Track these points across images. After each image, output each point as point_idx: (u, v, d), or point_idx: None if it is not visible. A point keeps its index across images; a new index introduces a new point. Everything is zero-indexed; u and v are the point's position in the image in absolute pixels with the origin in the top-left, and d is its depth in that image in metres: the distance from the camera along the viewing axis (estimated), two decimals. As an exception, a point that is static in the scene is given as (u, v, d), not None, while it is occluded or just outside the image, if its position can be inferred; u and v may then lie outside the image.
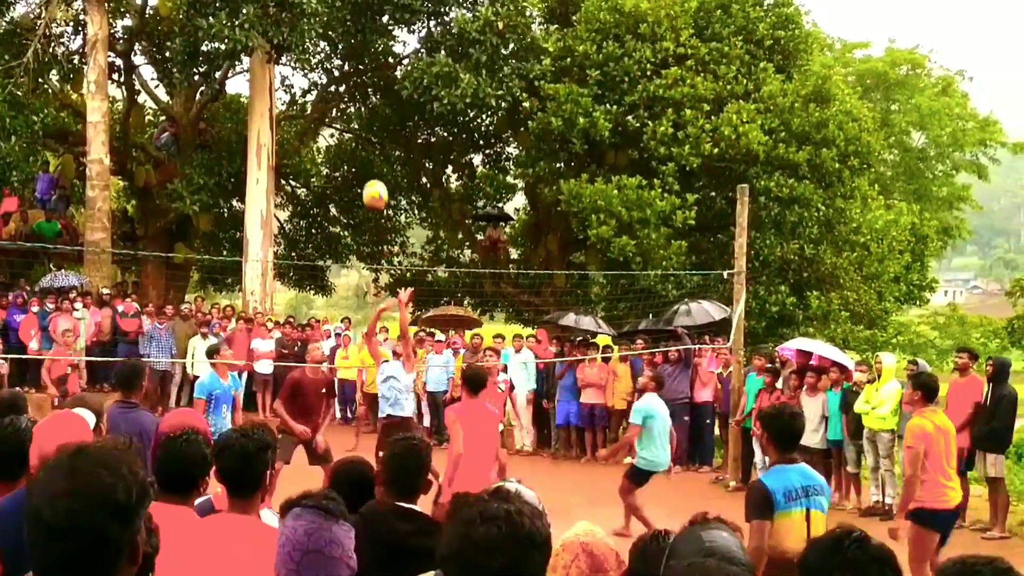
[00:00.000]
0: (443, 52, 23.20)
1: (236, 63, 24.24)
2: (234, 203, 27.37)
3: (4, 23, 23.35)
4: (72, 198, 24.77)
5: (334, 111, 29.14)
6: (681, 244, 21.25)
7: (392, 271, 29.63)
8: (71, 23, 24.31)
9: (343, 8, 22.68)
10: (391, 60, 26.29)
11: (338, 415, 20.30)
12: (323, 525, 3.38)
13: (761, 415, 6.46)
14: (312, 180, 29.66)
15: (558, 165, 23.89)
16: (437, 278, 27.72)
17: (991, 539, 11.84)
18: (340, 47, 25.90)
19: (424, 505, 4.90)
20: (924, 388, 8.63)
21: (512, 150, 27.23)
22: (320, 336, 20.59)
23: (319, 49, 25.28)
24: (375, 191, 13.09)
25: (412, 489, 4.81)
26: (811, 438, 13.90)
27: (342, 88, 27.78)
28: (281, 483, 8.04)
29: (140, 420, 7.71)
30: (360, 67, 26.66)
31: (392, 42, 26.16)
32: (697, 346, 16.85)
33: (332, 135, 31.04)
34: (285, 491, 3.96)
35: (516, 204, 29.11)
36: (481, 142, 27.45)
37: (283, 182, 28.24)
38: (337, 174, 30.20)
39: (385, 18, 24.44)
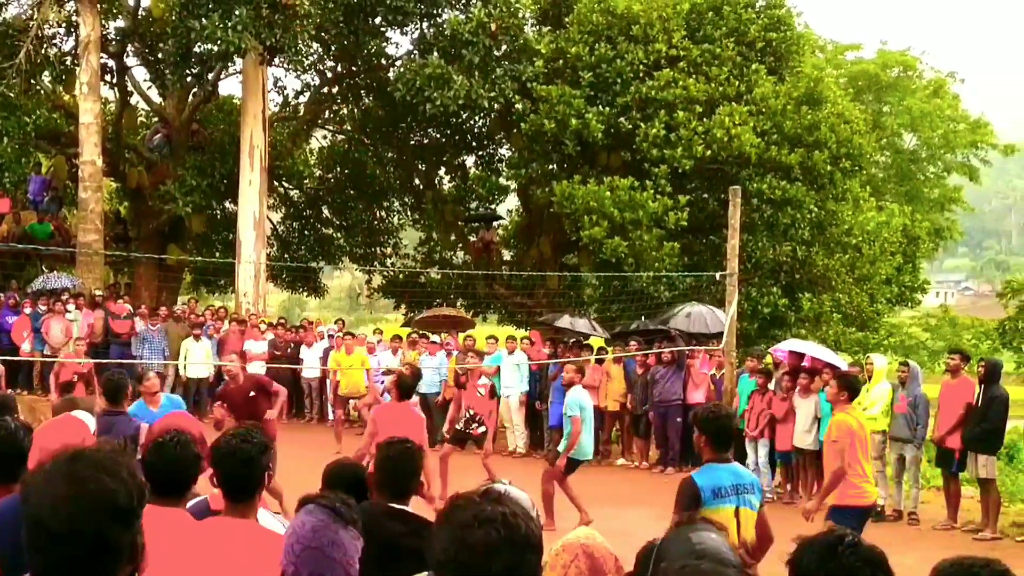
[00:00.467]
0: (436, 54, 23.21)
1: (229, 64, 24.22)
2: (227, 205, 27.37)
3: (-4, 24, 23.32)
4: (64, 200, 24.75)
5: (327, 112, 29.15)
6: (674, 246, 21.28)
7: (385, 272, 29.65)
8: (63, 24, 24.26)
9: (336, 10, 22.67)
10: (384, 61, 26.30)
11: (330, 416, 20.31)
12: (330, 526, 3.39)
13: (697, 416, 6.56)
14: (305, 182, 29.75)
15: (551, 167, 23.90)
16: (430, 279, 27.74)
17: (983, 540, 11.88)
18: (333, 48, 25.91)
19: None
20: (850, 388, 8.82)
21: (505, 151, 27.25)
22: (314, 338, 20.60)
23: (312, 50, 25.27)
24: None
25: (405, 491, 4.85)
26: (803, 439, 13.96)
27: (335, 89, 27.79)
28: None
29: (127, 426, 8.29)
30: (353, 68, 26.67)
31: (385, 43, 26.16)
32: (690, 348, 16.89)
33: (325, 136, 31.05)
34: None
35: (509, 205, 29.14)
36: (474, 143, 27.47)
37: (276, 184, 28.26)
38: (330, 176, 30.23)
39: (378, 19, 24.44)
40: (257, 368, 19.30)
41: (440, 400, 18.36)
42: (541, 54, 22.95)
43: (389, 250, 30.74)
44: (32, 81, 23.23)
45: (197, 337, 19.49)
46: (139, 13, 24.71)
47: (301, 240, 30.74)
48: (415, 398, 18.16)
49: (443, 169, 28.46)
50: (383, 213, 30.59)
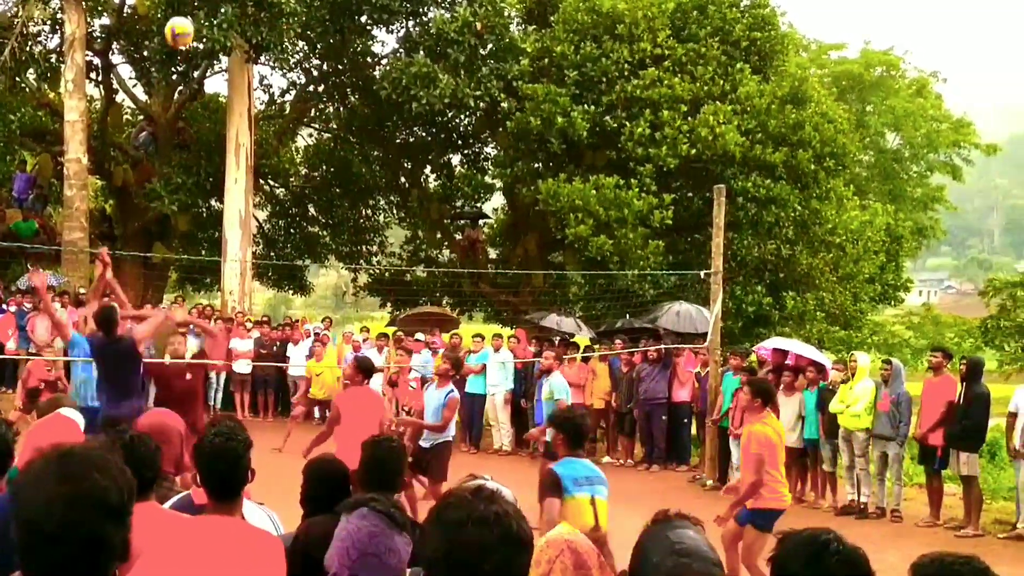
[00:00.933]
0: (421, 52, 23.21)
1: (214, 62, 24.19)
2: (213, 203, 27.29)
3: (-20, 22, 23.23)
4: (49, 197, 24.66)
5: (313, 111, 29.11)
6: (658, 244, 21.35)
7: (371, 271, 29.62)
8: (48, 22, 24.15)
9: (321, 8, 22.66)
10: (369, 60, 26.29)
11: (316, 414, 20.31)
12: (386, 532, 3.38)
13: (552, 417, 7.08)
14: (291, 180, 29.67)
15: (536, 165, 23.94)
16: (416, 278, 27.73)
17: (965, 537, 11.96)
18: (319, 47, 25.88)
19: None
20: (763, 395, 8.85)
21: (490, 150, 27.27)
22: (300, 336, 20.58)
23: (298, 49, 25.24)
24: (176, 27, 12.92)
25: (389, 489, 4.86)
26: (787, 437, 14.00)
27: (321, 88, 27.75)
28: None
29: (125, 342, 9.64)
30: (339, 67, 26.64)
31: (371, 42, 26.18)
32: (675, 346, 16.94)
33: (311, 135, 31.01)
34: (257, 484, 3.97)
35: (494, 204, 29.16)
36: (459, 142, 27.46)
37: (262, 182, 28.19)
38: (316, 174, 30.17)
39: (363, 18, 24.44)
40: (243, 366, 19.32)
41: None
42: (527, 53, 23.00)
43: (375, 248, 30.70)
44: (17, 79, 23.10)
45: (184, 335, 19.42)
46: (124, 11, 24.62)
47: (287, 238, 30.68)
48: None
49: (429, 167, 28.44)
50: (369, 211, 30.55)
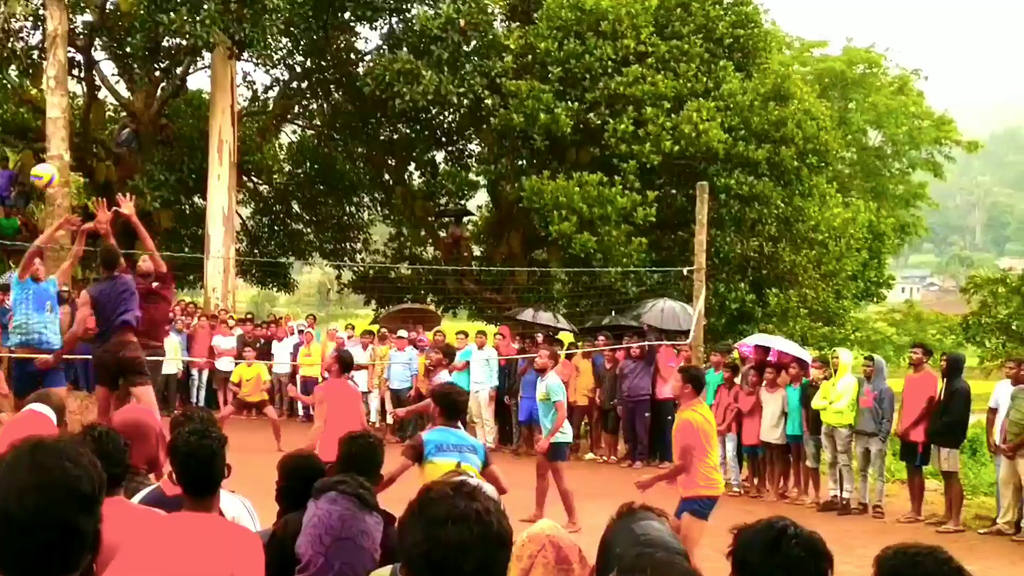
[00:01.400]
0: (405, 49, 23.22)
1: (197, 59, 24.16)
2: (195, 199, 27.24)
3: (-38, 18, 23.12)
4: (31, 194, 24.54)
5: (296, 107, 29.07)
6: (642, 241, 21.39)
7: (355, 268, 29.60)
8: (30, 18, 24.11)
9: (305, 4, 22.64)
10: (353, 56, 26.28)
11: (300, 412, 20.30)
12: (357, 514, 3.37)
13: (433, 391, 7.93)
14: (274, 177, 29.58)
15: (520, 162, 23.98)
16: (400, 275, 27.71)
17: (945, 532, 12.02)
18: (302, 43, 25.85)
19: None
20: (693, 381, 8.87)
21: (474, 147, 27.29)
22: (284, 333, 20.57)
23: (281, 45, 25.21)
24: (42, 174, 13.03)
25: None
26: (770, 433, 14.07)
27: (304, 84, 27.73)
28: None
29: (122, 284, 10.05)
30: (322, 63, 26.62)
31: (354, 39, 26.16)
32: (658, 343, 16.98)
33: (294, 131, 30.96)
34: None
35: (478, 201, 29.16)
36: (443, 139, 27.45)
37: (245, 179, 28.13)
38: (299, 171, 30.12)
39: (347, 14, 24.42)
40: (226, 364, 19.29)
41: (412, 394, 18.37)
42: (510, 49, 23.01)
43: (359, 245, 30.68)
44: (-2, 75, 23.06)
45: (166, 332, 19.39)
46: (107, 7, 24.52)
47: (270, 235, 30.64)
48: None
49: (413, 164, 28.42)
50: (353, 208, 30.53)
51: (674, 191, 23.71)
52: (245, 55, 23.39)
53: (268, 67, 26.67)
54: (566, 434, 11.77)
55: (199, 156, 23.82)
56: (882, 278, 34.79)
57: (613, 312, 20.24)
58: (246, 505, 4.46)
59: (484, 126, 23.96)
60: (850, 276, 27.45)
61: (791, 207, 22.83)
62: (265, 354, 20.14)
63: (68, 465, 2.30)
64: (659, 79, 21.94)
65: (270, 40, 22.14)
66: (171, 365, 19.45)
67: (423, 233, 27.91)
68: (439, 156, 28.15)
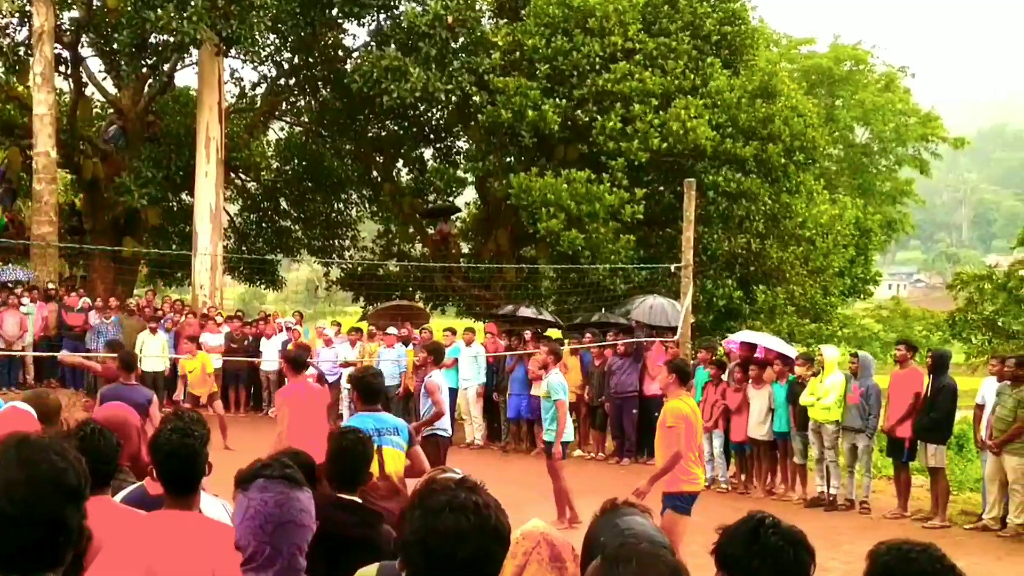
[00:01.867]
0: (393, 46, 23.17)
1: (184, 56, 24.09)
2: (183, 197, 27.19)
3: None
4: (18, 191, 24.49)
5: (284, 104, 29.00)
6: (629, 238, 21.42)
7: (343, 265, 29.58)
8: (17, 14, 24.06)
9: (292, 1, 22.60)
10: (341, 53, 26.24)
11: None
12: (291, 495, 3.34)
13: (350, 376, 8.25)
14: (262, 173, 29.54)
15: (508, 159, 23.98)
16: (388, 272, 27.70)
17: (932, 528, 12.08)
18: (290, 40, 25.78)
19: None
20: (678, 371, 9.00)
21: (462, 144, 27.28)
22: (273, 330, 20.55)
23: (268, 42, 25.14)
24: None
25: (354, 481, 4.89)
26: (757, 430, 14.11)
27: (292, 81, 27.66)
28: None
29: (138, 395, 9.24)
30: (310, 60, 26.57)
31: (342, 35, 26.11)
32: (645, 339, 17.01)
33: (282, 128, 30.92)
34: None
35: (466, 198, 29.17)
36: (431, 136, 27.44)
37: (233, 176, 28.09)
38: (287, 168, 30.09)
39: (334, 11, 24.36)
40: (214, 361, 19.25)
41: (400, 392, 18.38)
42: (498, 46, 23.00)
43: (347, 242, 30.66)
44: (-15, 72, 22.99)
45: (153, 330, 19.37)
46: (93, 3, 24.45)
47: (258, 232, 30.59)
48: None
49: (401, 161, 28.42)
50: (341, 205, 30.51)
51: (662, 188, 23.75)
52: (232, 52, 23.31)
53: (256, 64, 26.58)
54: (566, 433, 11.72)
55: (187, 153, 23.76)
56: (869, 275, 34.95)
57: (603, 309, 20.28)
58: (227, 508, 4.45)
59: (472, 123, 23.97)
60: (837, 273, 27.54)
61: (778, 204, 22.88)
62: (253, 351, 20.15)
63: (55, 459, 2.32)
64: (647, 76, 21.97)
65: (257, 37, 22.07)
66: (158, 362, 19.42)
67: (411, 230, 27.90)
68: (427, 153, 28.13)
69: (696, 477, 8.90)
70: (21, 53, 24.04)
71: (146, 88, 25.70)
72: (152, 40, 22.08)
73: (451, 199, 27.35)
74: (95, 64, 26.77)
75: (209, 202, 22.95)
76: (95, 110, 28.00)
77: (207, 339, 19.56)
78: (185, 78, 41.28)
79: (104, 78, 26.70)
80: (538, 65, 22.29)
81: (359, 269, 28.68)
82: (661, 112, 21.87)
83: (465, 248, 27.91)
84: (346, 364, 18.90)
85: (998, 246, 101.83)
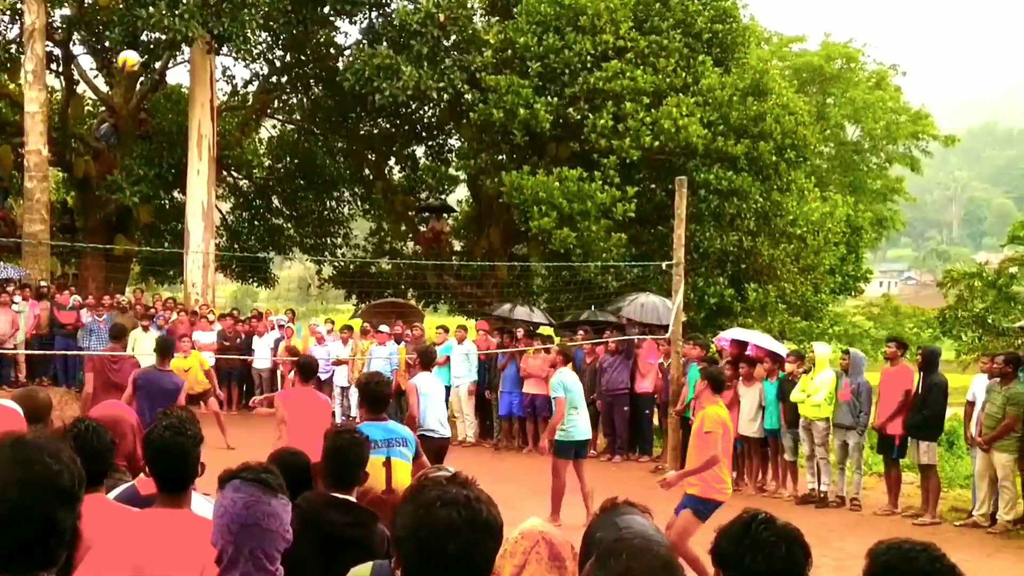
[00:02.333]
0: (385, 44, 23.16)
1: (176, 53, 24.06)
2: (175, 194, 27.20)
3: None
4: (10, 189, 24.45)
5: (276, 102, 28.98)
6: (621, 236, 21.44)
7: (335, 263, 29.58)
8: (8, 12, 24.03)
9: (284, -2, 22.61)
10: (333, 51, 26.24)
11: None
12: (261, 499, 3.37)
13: (357, 383, 7.97)
14: (254, 171, 29.52)
15: (500, 157, 23.98)
16: (381, 270, 27.71)
17: (922, 525, 12.16)
18: (282, 38, 25.78)
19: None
20: (712, 379, 9.15)
21: (454, 142, 27.28)
22: (265, 328, 20.55)
23: (260, 40, 25.11)
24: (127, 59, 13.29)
25: (349, 481, 4.87)
26: (748, 427, 14.16)
27: (284, 79, 27.64)
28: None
29: (167, 382, 10.17)
30: (302, 58, 26.56)
31: (334, 33, 26.09)
32: (637, 337, 17.04)
33: (274, 126, 30.90)
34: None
35: (459, 196, 29.19)
36: (423, 134, 27.45)
37: (225, 173, 28.09)
38: (279, 165, 30.08)
39: (326, 9, 24.35)
40: (206, 359, 19.25)
41: (392, 389, 18.39)
42: (490, 44, 23.02)
43: (339, 240, 30.66)
44: (-24, 70, 22.95)
45: (146, 328, 19.35)
46: (85, 1, 24.44)
47: (251, 230, 30.55)
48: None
49: (393, 159, 28.43)
50: (333, 203, 30.50)
51: (653, 186, 23.76)
52: (224, 49, 23.32)
53: (247, 62, 26.58)
54: (567, 431, 11.72)
55: (178, 151, 23.76)
56: (860, 272, 34.97)
57: (592, 307, 20.31)
58: None
59: (464, 121, 23.97)
60: (828, 270, 27.57)
61: (769, 202, 22.90)
62: (245, 349, 20.14)
63: (49, 460, 2.34)
64: (638, 74, 21.99)
65: (249, 34, 22.06)
66: (151, 361, 19.37)
67: (403, 228, 27.90)
68: (419, 151, 28.16)
69: (727, 487, 8.94)
70: (12, 51, 24.01)
71: (138, 86, 25.67)
72: (144, 38, 22.04)
73: (443, 197, 27.39)
74: (87, 62, 26.80)
75: (201, 200, 22.95)
76: (87, 108, 27.98)
77: (199, 337, 19.55)
78: (177, 76, 41.13)
79: (96, 76, 26.69)
80: (530, 63, 22.30)
81: (351, 267, 28.69)
82: (653, 110, 21.88)
83: (457, 246, 27.92)
84: (338, 362, 18.94)
85: (988, 243, 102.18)
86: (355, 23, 25.55)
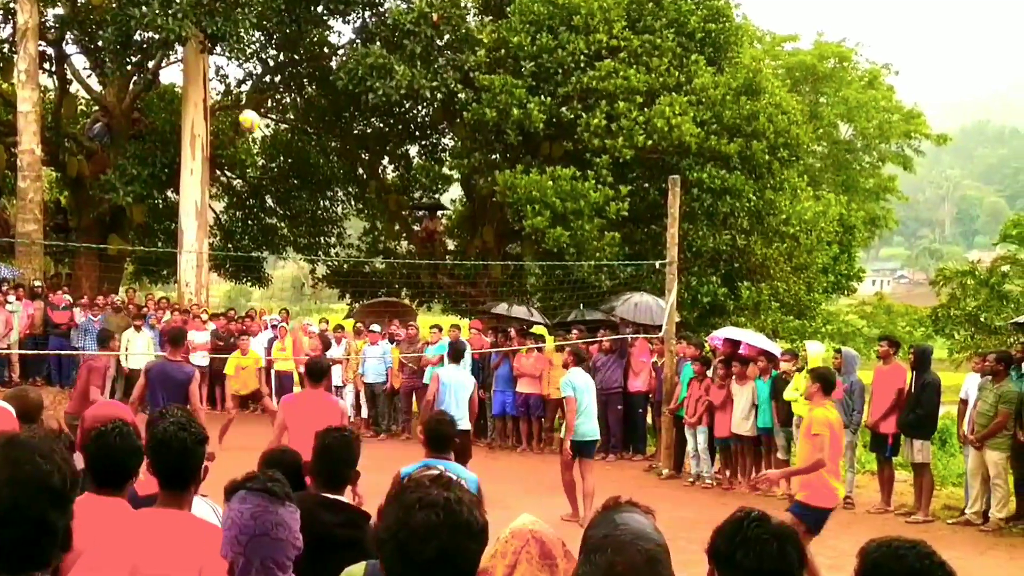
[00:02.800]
0: (378, 43, 23.17)
1: (169, 53, 24.04)
2: (169, 194, 27.17)
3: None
4: (3, 189, 24.43)
5: (269, 101, 28.97)
6: (614, 235, 21.45)
7: (329, 262, 29.57)
8: (1, 11, 23.95)
9: (277, -3, 22.61)
10: (326, 51, 26.24)
11: (275, 406, 20.25)
12: (269, 508, 3.37)
13: (421, 420, 7.54)
14: (248, 171, 29.50)
15: (493, 156, 23.99)
16: (374, 269, 27.71)
17: (915, 523, 12.19)
18: (275, 37, 25.78)
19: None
20: (822, 380, 8.97)
21: (448, 141, 27.29)
22: (258, 327, 20.55)
23: (253, 39, 25.13)
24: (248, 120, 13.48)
25: (339, 480, 4.88)
26: (741, 426, 14.19)
27: (277, 78, 27.63)
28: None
29: (179, 372, 10.29)
30: (295, 57, 26.55)
31: (327, 32, 26.08)
32: (630, 336, 17.06)
33: (268, 125, 30.86)
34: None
35: (452, 195, 29.19)
36: (417, 133, 27.46)
37: (218, 173, 28.06)
38: (273, 165, 30.07)
39: (319, 8, 24.36)
40: (200, 359, 19.25)
41: (388, 388, 18.43)
42: (483, 44, 23.03)
43: (333, 240, 30.65)
44: (-31, 69, 22.92)
45: (138, 328, 19.34)
46: (78, 1, 24.41)
47: (244, 229, 30.55)
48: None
49: (387, 158, 28.43)
50: (327, 202, 30.50)
51: (647, 185, 23.77)
52: (218, 49, 23.30)
53: (241, 61, 26.58)
54: (579, 433, 11.71)
55: (172, 150, 23.74)
56: (852, 271, 34.98)
57: (582, 305, 20.33)
58: (216, 511, 4.47)
59: (457, 120, 23.99)
60: (821, 269, 27.60)
61: (763, 200, 22.92)
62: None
63: (40, 460, 2.34)
64: (631, 73, 22.00)
65: (242, 34, 22.09)
66: (144, 360, 19.37)
67: (397, 227, 27.91)
68: (413, 150, 28.15)
69: (835, 492, 8.79)
70: (5, 50, 23.96)
71: (131, 85, 25.65)
72: (137, 37, 22.01)
73: (437, 196, 27.39)
74: (80, 61, 26.77)
75: (195, 199, 22.95)
76: (80, 107, 27.93)
77: (193, 336, 19.53)
78: (170, 75, 41.22)
79: (89, 75, 26.65)
80: (523, 63, 22.30)
81: (345, 266, 28.67)
82: (646, 109, 21.90)
83: (451, 245, 27.94)
84: (333, 362, 18.92)
85: (980, 242, 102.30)
86: (348, 22, 25.58)
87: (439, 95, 22.86)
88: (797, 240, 24.39)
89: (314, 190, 29.67)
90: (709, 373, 14.86)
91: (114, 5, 20.95)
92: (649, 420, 17.35)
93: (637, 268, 21.12)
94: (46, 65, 24.64)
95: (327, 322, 20.32)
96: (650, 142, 21.55)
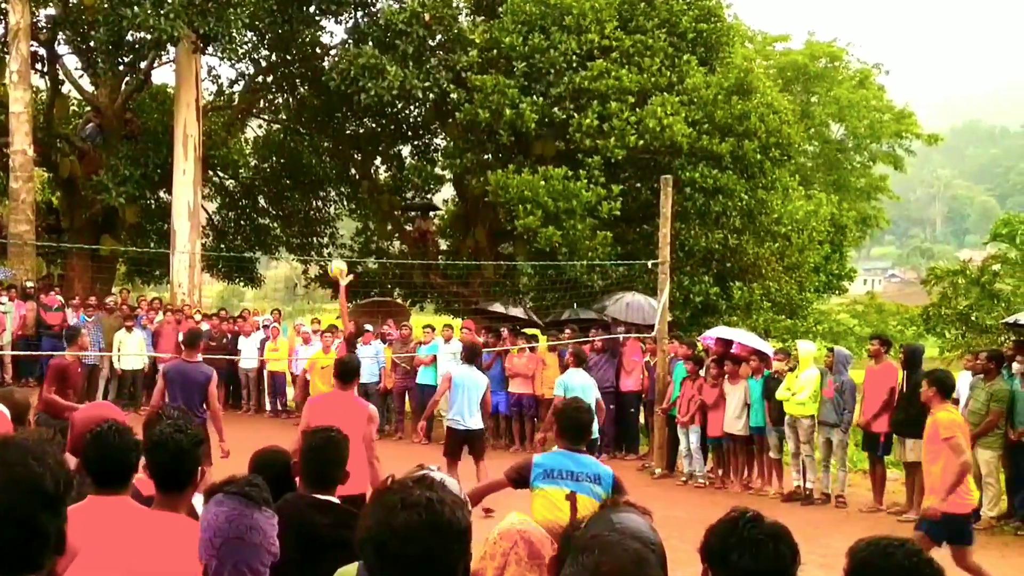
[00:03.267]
0: (370, 43, 23.15)
1: (162, 53, 23.99)
2: (161, 194, 27.13)
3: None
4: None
5: (262, 102, 28.92)
6: (607, 235, 21.48)
7: (322, 263, 29.55)
8: (-8, 12, 23.91)
9: (269, -2, 22.58)
10: (318, 51, 26.20)
11: (268, 407, 20.34)
12: (244, 512, 3.37)
13: (555, 408, 6.93)
14: (240, 171, 29.47)
15: (485, 156, 24.00)
16: (367, 269, 27.69)
17: (907, 522, 12.21)
18: (267, 37, 25.71)
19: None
20: (938, 384, 8.69)
21: (440, 141, 27.27)
22: (251, 328, 20.54)
23: (246, 39, 25.04)
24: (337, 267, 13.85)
25: (329, 481, 4.87)
26: (733, 425, 14.25)
27: (270, 79, 27.59)
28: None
29: (198, 373, 10.59)
30: (287, 57, 26.50)
31: (319, 33, 26.04)
32: (623, 335, 17.09)
33: (260, 126, 30.83)
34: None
35: (444, 195, 29.19)
36: (409, 133, 27.43)
37: (211, 173, 28.03)
38: (265, 165, 30.03)
39: (312, 8, 24.31)
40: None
41: (381, 389, 18.45)
42: (475, 44, 23.02)
43: (326, 240, 30.62)
44: (-40, 70, 22.86)
45: (130, 329, 19.33)
46: (70, 1, 24.37)
47: (237, 230, 30.51)
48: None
49: (379, 159, 28.41)
50: (319, 203, 30.46)
51: (639, 185, 23.82)
52: (210, 49, 23.27)
53: (233, 61, 26.50)
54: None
55: (164, 151, 23.71)
56: (844, 270, 35.10)
57: (575, 305, 20.35)
58: None
59: (449, 120, 23.99)
60: (813, 268, 27.68)
61: (754, 200, 22.95)
62: (231, 349, 20.11)
63: (31, 462, 2.34)
64: (623, 74, 22.03)
65: (235, 34, 22.01)
66: (136, 360, 19.39)
67: (390, 227, 27.89)
68: (405, 150, 28.14)
69: (972, 495, 8.54)
70: (-3, 51, 23.93)
71: (123, 86, 25.60)
72: (129, 37, 21.96)
73: (429, 196, 27.39)
74: (72, 61, 26.69)
75: (187, 200, 22.93)
76: (72, 108, 27.89)
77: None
78: (162, 75, 40.98)
79: (81, 75, 26.59)
80: (515, 63, 22.32)
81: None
82: (638, 109, 21.94)
83: (443, 245, 27.95)
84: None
85: (971, 241, 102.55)
86: (341, 23, 25.52)
87: (431, 95, 22.88)
88: (789, 239, 24.45)
89: (307, 190, 29.64)
90: (702, 372, 14.90)
91: (106, 5, 20.88)
92: (642, 419, 17.38)
93: (629, 268, 21.15)
94: (38, 66, 24.62)
95: (319, 322, 20.30)
96: (642, 142, 21.58)
